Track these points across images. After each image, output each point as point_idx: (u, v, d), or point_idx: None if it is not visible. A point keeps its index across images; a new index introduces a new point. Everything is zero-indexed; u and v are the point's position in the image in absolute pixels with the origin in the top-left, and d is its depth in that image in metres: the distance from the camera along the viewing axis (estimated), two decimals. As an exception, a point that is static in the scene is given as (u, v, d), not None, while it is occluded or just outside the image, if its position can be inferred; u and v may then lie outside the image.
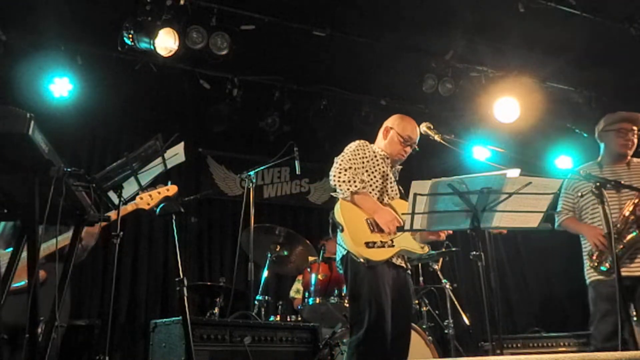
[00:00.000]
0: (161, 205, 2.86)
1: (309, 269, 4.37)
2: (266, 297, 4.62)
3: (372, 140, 3.38)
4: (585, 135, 6.29)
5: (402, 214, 2.92)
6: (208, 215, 6.55)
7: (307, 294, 4.28)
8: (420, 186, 2.53)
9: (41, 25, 4.84)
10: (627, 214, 3.44)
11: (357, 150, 3.18)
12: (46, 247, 2.64)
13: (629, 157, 3.71)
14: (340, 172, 3.03)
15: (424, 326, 4.39)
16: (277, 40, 5.30)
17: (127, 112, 6.05)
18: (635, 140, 3.71)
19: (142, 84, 5.54)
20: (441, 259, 4.92)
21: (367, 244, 2.93)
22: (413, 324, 3.66)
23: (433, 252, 4.44)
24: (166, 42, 4.74)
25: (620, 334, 2.73)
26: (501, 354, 2.70)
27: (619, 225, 3.43)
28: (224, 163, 6.80)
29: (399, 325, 3.01)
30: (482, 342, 4.37)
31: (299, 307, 4.55)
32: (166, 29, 4.70)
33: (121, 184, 2.72)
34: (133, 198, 2.92)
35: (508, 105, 6.00)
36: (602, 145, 3.80)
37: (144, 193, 2.95)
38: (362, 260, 2.92)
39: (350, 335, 2.99)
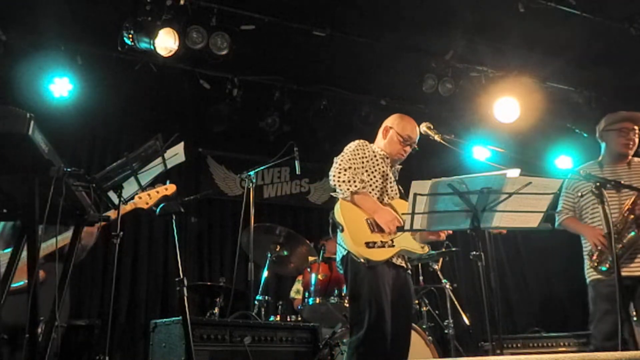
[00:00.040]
0: (161, 205, 2.85)
1: (309, 269, 4.37)
2: (266, 297, 4.61)
3: (372, 140, 3.37)
4: (585, 135, 6.29)
5: (402, 214, 2.92)
6: (208, 215, 6.55)
7: (307, 294, 4.27)
8: (420, 186, 2.53)
9: (41, 25, 4.84)
10: (626, 213, 3.44)
11: (357, 150, 3.18)
12: (46, 247, 2.64)
13: (629, 157, 3.71)
14: (340, 172, 3.03)
15: (424, 326, 4.39)
16: (277, 40, 5.30)
17: (127, 112, 6.05)
18: (637, 140, 3.71)
19: (142, 84, 5.54)
20: (441, 259, 4.92)
21: (367, 244, 2.93)
22: (413, 324, 3.65)
23: (433, 252, 4.44)
24: (166, 42, 4.75)
25: (620, 333, 2.73)
26: (501, 354, 2.70)
27: (618, 225, 3.43)
28: (224, 163, 6.79)
29: (399, 326, 3.00)
30: (482, 342, 4.37)
31: (299, 307, 4.55)
32: (166, 29, 4.71)
33: (121, 184, 2.71)
34: (132, 198, 2.92)
35: (508, 105, 6.00)
36: (603, 145, 3.80)
37: (143, 193, 2.96)
38: (362, 260, 2.91)
39: (350, 335, 2.99)
